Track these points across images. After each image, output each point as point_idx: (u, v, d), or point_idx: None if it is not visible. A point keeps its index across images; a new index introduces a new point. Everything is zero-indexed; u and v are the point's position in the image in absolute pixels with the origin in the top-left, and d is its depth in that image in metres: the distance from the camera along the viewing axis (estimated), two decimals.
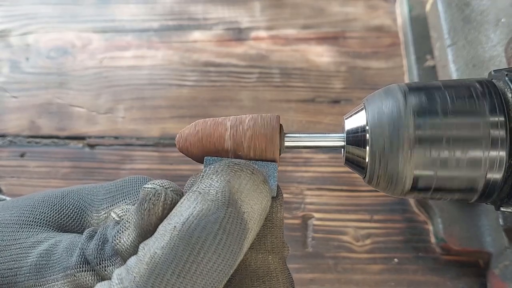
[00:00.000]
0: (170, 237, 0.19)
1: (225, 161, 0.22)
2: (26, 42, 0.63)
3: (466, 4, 0.49)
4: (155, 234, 0.20)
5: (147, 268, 0.19)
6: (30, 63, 0.62)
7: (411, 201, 0.50)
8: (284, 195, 0.50)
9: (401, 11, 0.61)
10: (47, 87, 0.60)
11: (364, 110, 0.24)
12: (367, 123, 0.24)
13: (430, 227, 0.48)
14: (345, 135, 0.25)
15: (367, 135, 0.23)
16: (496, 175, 0.22)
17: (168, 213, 0.20)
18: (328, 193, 0.51)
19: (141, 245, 0.20)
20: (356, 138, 0.24)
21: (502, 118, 0.22)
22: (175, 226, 0.19)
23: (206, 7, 0.65)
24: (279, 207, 0.23)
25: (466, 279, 0.46)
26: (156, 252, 0.19)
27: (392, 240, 0.48)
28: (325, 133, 0.25)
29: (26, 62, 0.62)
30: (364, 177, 0.25)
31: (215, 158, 0.23)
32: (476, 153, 0.22)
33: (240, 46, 0.61)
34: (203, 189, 0.20)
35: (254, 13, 0.64)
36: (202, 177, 0.21)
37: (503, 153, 0.22)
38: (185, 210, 0.20)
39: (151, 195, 0.21)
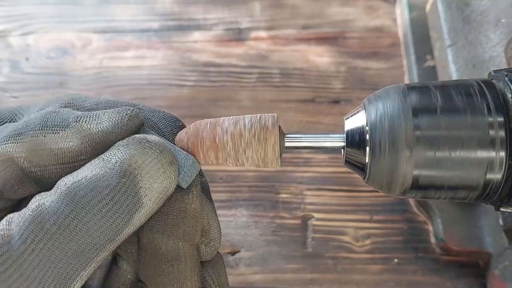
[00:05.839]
0: (60, 192, 0.20)
1: (139, 136, 0.22)
2: (26, 42, 0.63)
3: (466, 4, 0.49)
4: (52, 189, 0.21)
5: (31, 215, 0.20)
6: (30, 63, 0.62)
7: (411, 201, 0.50)
8: (284, 195, 0.51)
9: (401, 12, 0.61)
10: (47, 87, 0.59)
11: (364, 111, 0.24)
12: (367, 123, 0.24)
13: (430, 227, 0.48)
14: (345, 135, 0.25)
15: (367, 135, 0.23)
16: (496, 176, 0.22)
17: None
18: (328, 193, 0.51)
19: (36, 195, 0.21)
20: (356, 138, 0.24)
21: (501, 119, 0.22)
22: (65, 183, 0.20)
23: (206, 7, 0.65)
24: (194, 199, 0.23)
25: (466, 280, 0.46)
26: (43, 203, 0.20)
27: (392, 240, 0.48)
28: (325, 134, 0.25)
29: (26, 62, 0.62)
30: (364, 178, 0.25)
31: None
32: (476, 154, 0.22)
33: (240, 46, 0.61)
34: (107, 157, 0.21)
35: (254, 13, 0.64)
36: (113, 147, 0.21)
37: (502, 154, 0.22)
38: (82, 172, 0.21)
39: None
